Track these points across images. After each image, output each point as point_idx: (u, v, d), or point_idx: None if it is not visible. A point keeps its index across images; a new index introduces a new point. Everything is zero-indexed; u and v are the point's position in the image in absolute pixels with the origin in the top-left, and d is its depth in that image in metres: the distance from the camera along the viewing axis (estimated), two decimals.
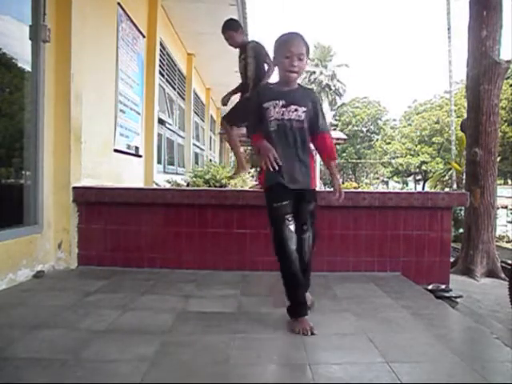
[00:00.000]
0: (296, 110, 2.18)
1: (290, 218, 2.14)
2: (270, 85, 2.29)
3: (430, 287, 3.20)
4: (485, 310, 3.90)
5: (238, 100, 3.91)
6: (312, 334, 1.99)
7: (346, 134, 26.48)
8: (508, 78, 17.95)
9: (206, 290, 2.77)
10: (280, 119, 2.17)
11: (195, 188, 4.28)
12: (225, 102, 4.00)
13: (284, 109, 2.17)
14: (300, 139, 2.21)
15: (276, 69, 3.56)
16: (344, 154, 33.79)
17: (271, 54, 3.15)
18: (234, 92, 4.00)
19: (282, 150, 2.17)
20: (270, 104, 2.18)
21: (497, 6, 5.63)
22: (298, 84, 2.28)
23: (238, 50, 3.82)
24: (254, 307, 2.43)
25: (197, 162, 10.07)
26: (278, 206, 2.14)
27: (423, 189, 26.04)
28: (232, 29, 3.68)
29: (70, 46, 3.19)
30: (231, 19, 3.87)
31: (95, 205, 3.35)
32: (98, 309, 2.30)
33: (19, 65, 3.04)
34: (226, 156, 18.93)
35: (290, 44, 2.15)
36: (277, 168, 2.13)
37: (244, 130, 3.83)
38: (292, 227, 2.13)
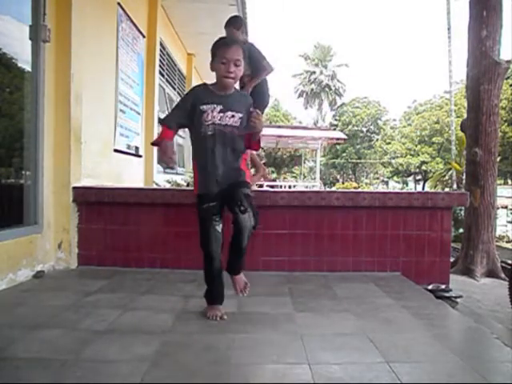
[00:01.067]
0: (233, 116, 2.19)
1: (217, 219, 2.24)
2: (209, 86, 2.27)
3: (430, 287, 3.20)
4: (485, 310, 3.90)
5: None
6: (221, 318, 2.20)
7: (346, 134, 26.45)
8: (508, 77, 17.95)
9: None
10: (217, 124, 2.17)
11: None
12: None
13: (222, 114, 2.17)
14: (234, 145, 2.22)
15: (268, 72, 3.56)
16: (344, 154, 33.79)
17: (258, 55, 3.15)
18: None
19: (215, 154, 2.18)
20: (209, 107, 2.17)
21: (497, 5, 5.64)
22: (235, 88, 2.29)
23: None
24: (255, 307, 2.43)
25: None
26: (206, 208, 2.25)
27: (423, 189, 26.04)
28: (234, 26, 3.69)
29: (70, 46, 3.19)
30: (235, 16, 3.89)
31: (95, 205, 3.34)
32: (98, 309, 2.30)
33: (19, 65, 3.04)
34: None
35: (226, 50, 2.14)
36: (174, 164, 2.22)
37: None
38: (219, 228, 2.25)
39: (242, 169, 2.29)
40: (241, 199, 2.12)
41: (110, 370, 1.60)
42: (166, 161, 2.18)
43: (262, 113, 3.75)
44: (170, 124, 2.23)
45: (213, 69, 2.21)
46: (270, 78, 3.84)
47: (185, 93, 2.31)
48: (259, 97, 3.63)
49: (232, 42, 2.20)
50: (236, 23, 3.73)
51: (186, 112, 2.21)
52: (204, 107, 2.16)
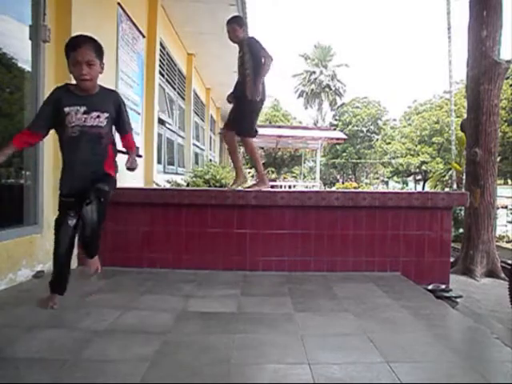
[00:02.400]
0: (98, 116, 2.18)
1: (72, 214, 2.20)
2: (71, 87, 2.22)
3: (430, 287, 3.19)
4: (485, 310, 3.90)
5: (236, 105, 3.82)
6: (52, 308, 2.20)
7: (346, 134, 26.41)
8: (508, 78, 17.93)
9: (206, 290, 2.77)
10: (81, 126, 2.15)
11: (195, 188, 4.29)
12: (230, 99, 3.96)
13: (86, 115, 2.15)
14: (99, 145, 2.22)
15: (269, 62, 3.59)
16: (344, 154, 33.77)
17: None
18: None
19: (79, 155, 2.18)
20: (72, 109, 2.14)
21: (497, 5, 5.63)
22: (100, 86, 2.27)
23: (237, 50, 3.82)
24: (254, 307, 2.43)
25: (197, 162, 10.06)
26: (64, 201, 2.24)
27: (423, 189, 26.03)
28: (237, 23, 3.73)
29: None
30: (239, 16, 3.92)
31: None
32: (98, 309, 2.30)
33: (19, 65, 3.04)
34: (226, 156, 18.95)
35: (75, 52, 2.09)
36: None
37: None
38: (71, 222, 2.20)
39: (105, 169, 2.29)
40: (90, 193, 2.15)
41: (110, 369, 1.60)
42: None
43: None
44: (32, 126, 2.18)
45: (70, 71, 2.18)
46: (270, 77, 3.83)
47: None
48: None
49: (80, 42, 2.12)
50: (240, 21, 3.79)
51: (49, 115, 2.17)
52: (67, 109, 2.13)
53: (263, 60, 3.57)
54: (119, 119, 2.28)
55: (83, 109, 2.15)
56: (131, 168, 2.34)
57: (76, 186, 2.21)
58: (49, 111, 2.18)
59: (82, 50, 2.11)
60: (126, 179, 4.85)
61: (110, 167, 2.31)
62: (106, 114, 2.20)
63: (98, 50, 2.19)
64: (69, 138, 2.17)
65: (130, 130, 2.41)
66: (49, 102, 2.21)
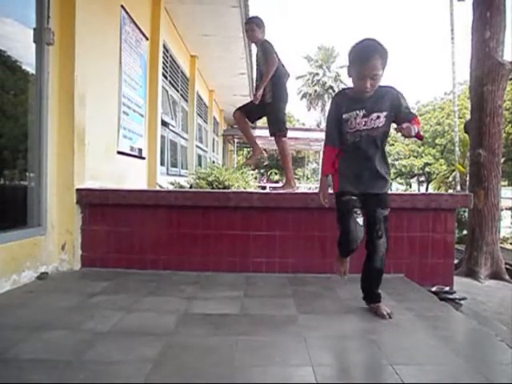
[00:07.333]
0: (378, 117, 2.13)
1: (358, 212, 2.14)
2: (348, 92, 2.21)
3: (433, 289, 3.18)
4: (489, 312, 3.88)
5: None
6: (390, 317, 2.22)
7: None
8: None
9: (210, 292, 2.77)
10: (362, 130, 2.13)
11: (198, 190, 4.29)
12: (256, 99, 3.95)
13: (366, 119, 2.12)
14: (379, 146, 2.19)
15: (270, 69, 3.65)
16: None
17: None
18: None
19: (358, 160, 2.18)
20: (351, 115, 2.13)
21: (500, 6, 5.63)
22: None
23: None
24: (258, 309, 2.43)
25: (200, 164, 10.08)
26: (346, 200, 2.18)
27: (427, 190, 25.95)
28: (257, 23, 3.83)
29: (74, 48, 3.20)
30: (258, 16, 4.01)
31: (99, 206, 3.35)
32: (102, 310, 2.31)
33: (23, 67, 3.06)
34: (229, 158, 18.97)
35: (364, 66, 2.04)
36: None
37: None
38: (360, 220, 2.14)
39: (386, 177, 2.25)
40: (380, 224, 2.12)
41: (113, 371, 1.60)
42: (322, 201, 2.34)
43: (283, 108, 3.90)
44: (334, 143, 2.24)
45: (349, 75, 2.16)
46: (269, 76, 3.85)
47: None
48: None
49: (369, 56, 2.03)
50: (258, 22, 3.89)
51: (337, 125, 2.20)
52: (346, 116, 2.14)
53: (267, 67, 3.66)
54: (400, 112, 2.18)
55: (362, 112, 2.12)
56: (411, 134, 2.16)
57: (360, 188, 2.20)
58: (335, 121, 2.21)
59: (370, 65, 2.03)
60: (130, 181, 4.88)
61: (384, 166, 2.26)
62: (385, 113, 2.14)
63: (384, 59, 2.08)
64: (349, 144, 2.16)
65: (414, 116, 2.23)
66: (331, 113, 2.25)
